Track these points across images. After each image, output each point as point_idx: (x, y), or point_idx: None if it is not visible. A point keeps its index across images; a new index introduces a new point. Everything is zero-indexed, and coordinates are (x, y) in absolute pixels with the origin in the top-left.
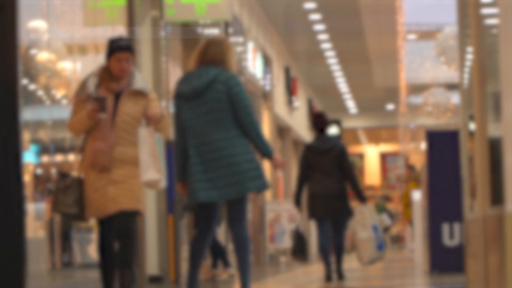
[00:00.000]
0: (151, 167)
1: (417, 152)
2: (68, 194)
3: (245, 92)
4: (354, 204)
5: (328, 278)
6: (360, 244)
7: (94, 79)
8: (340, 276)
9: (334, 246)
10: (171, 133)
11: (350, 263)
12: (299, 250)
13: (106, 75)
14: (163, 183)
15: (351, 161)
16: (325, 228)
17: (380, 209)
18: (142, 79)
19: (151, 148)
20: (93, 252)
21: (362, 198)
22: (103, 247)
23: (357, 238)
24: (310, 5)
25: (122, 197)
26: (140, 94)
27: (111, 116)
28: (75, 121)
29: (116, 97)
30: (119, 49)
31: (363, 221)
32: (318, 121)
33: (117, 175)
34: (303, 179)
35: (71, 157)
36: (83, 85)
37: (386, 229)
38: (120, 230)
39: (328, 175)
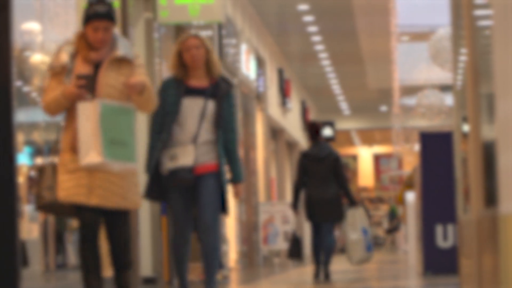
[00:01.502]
0: (92, 148)
1: (411, 153)
2: (42, 180)
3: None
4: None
5: (316, 276)
6: (350, 245)
7: (69, 47)
8: (327, 276)
9: (325, 248)
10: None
11: (344, 264)
12: (296, 252)
13: (83, 43)
14: (117, 166)
15: (344, 163)
16: (320, 231)
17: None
18: (125, 44)
19: (93, 126)
20: None
21: (353, 202)
22: (85, 246)
23: (347, 240)
24: (303, 7)
25: (107, 193)
26: (124, 61)
27: (91, 90)
28: (50, 99)
29: (96, 68)
30: (96, 17)
31: (354, 224)
32: (312, 130)
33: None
34: (299, 185)
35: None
36: (56, 55)
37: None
38: (110, 229)
39: (324, 181)
